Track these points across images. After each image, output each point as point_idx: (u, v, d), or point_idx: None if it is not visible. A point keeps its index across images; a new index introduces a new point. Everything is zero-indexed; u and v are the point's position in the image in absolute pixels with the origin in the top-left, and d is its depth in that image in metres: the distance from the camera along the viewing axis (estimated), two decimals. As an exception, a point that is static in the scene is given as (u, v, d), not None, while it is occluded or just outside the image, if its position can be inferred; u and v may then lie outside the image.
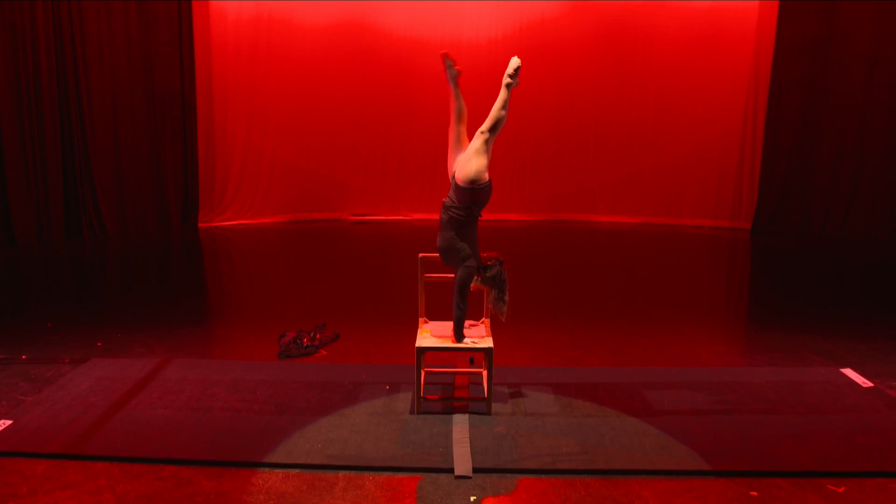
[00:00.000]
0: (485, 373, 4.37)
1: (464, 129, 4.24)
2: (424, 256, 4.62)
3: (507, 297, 4.27)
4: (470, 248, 4.19)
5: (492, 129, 4.16)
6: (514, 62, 4.20)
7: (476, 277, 4.24)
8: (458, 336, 4.30)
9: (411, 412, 4.27)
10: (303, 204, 11.22)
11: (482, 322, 4.62)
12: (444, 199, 4.24)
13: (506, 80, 4.20)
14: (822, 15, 9.91)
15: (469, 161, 4.12)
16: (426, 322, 4.66)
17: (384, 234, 10.54)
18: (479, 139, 4.15)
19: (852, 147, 10.04)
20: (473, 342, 4.30)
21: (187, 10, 10.00)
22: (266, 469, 3.67)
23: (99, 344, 5.50)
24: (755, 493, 3.48)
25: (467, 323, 4.48)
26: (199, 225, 10.50)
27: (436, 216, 4.63)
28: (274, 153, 10.99)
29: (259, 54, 10.68)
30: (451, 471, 3.64)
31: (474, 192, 4.12)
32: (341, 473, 3.64)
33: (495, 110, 4.17)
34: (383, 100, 11.18)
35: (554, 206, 11.46)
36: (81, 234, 9.54)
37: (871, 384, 4.76)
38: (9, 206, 8.98)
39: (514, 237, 10.31)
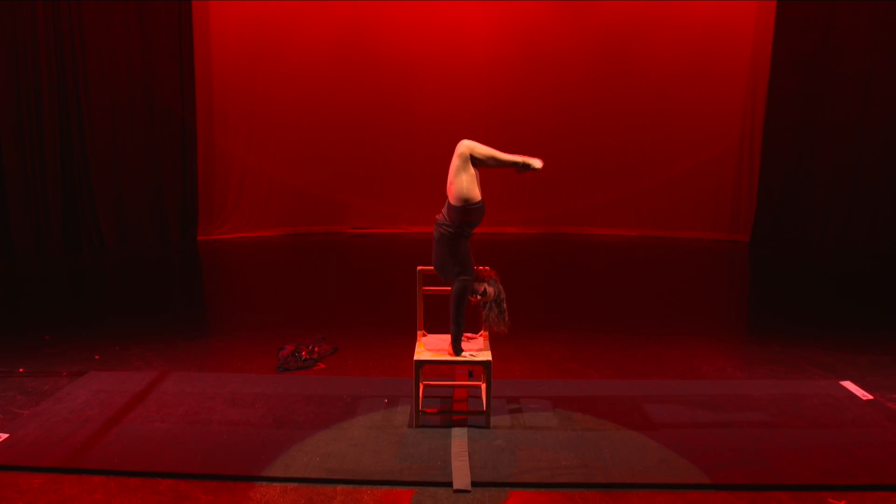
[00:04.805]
0: (483, 386, 4.36)
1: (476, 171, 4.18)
2: (423, 269, 4.61)
3: (506, 307, 4.29)
4: (464, 263, 4.19)
5: (475, 159, 4.09)
6: (537, 164, 4.24)
7: (478, 299, 4.26)
8: (457, 349, 4.30)
9: (410, 426, 4.26)
10: (302, 217, 11.22)
11: (480, 335, 4.61)
12: (436, 216, 4.25)
13: (522, 160, 4.21)
14: (819, 30, 9.96)
15: (457, 179, 4.09)
16: (424, 335, 4.65)
17: (383, 248, 10.54)
18: (458, 158, 4.10)
19: (850, 160, 10.05)
20: (472, 355, 4.29)
21: (188, 24, 10.05)
22: (264, 483, 3.66)
23: (97, 357, 5.49)
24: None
25: (465, 336, 4.48)
26: (199, 238, 10.50)
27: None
28: (273, 166, 11.01)
29: (259, 67, 10.72)
30: (449, 485, 3.62)
31: (466, 212, 4.12)
32: (339, 487, 3.62)
33: (493, 157, 4.13)
34: (383, 112, 11.20)
35: (552, 219, 11.47)
36: (80, 248, 9.52)
37: (871, 397, 4.75)
38: (8, 220, 8.97)
39: (512, 250, 10.31)
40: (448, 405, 4.62)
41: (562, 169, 11.26)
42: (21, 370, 5.18)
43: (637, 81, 11.04)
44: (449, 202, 4.15)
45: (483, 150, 4.13)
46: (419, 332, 4.66)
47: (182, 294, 8.29)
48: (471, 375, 4.96)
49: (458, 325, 4.25)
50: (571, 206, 11.43)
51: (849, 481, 3.67)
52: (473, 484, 3.62)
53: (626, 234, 11.25)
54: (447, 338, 4.39)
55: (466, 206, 4.10)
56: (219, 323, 6.98)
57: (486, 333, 4.59)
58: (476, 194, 4.12)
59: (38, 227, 9.22)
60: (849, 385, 4.95)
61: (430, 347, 4.44)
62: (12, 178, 8.97)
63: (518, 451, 3.97)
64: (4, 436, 4.08)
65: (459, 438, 4.09)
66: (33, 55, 9.01)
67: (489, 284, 4.28)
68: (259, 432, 4.18)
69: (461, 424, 4.27)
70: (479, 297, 4.27)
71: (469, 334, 4.54)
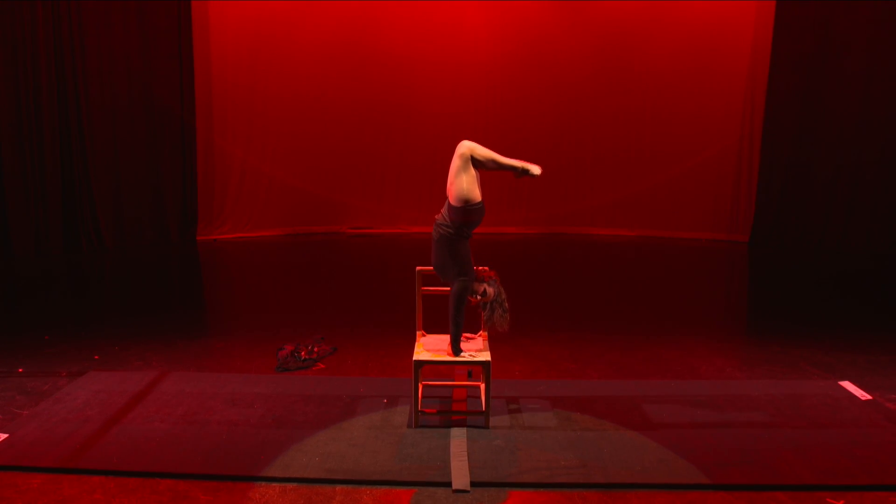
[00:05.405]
0: (482, 386, 4.37)
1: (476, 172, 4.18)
2: (422, 270, 4.62)
3: (508, 306, 4.30)
4: (464, 264, 4.19)
5: (475, 161, 4.09)
6: (535, 170, 4.20)
7: (477, 299, 4.26)
8: (456, 349, 4.30)
9: (409, 426, 4.26)
10: (301, 217, 11.22)
11: (479, 335, 4.62)
12: (435, 217, 4.25)
13: (521, 165, 4.18)
14: (818, 30, 9.96)
15: (457, 179, 4.09)
16: (424, 335, 4.65)
17: (382, 248, 10.54)
18: (458, 159, 4.10)
19: (850, 160, 10.05)
20: (471, 356, 4.30)
21: (187, 25, 10.05)
22: (263, 483, 3.66)
23: (96, 357, 5.49)
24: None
25: (464, 336, 4.48)
26: (198, 238, 10.50)
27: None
28: (273, 166, 11.01)
29: (258, 67, 10.72)
30: (448, 485, 3.63)
31: (466, 212, 4.12)
32: (339, 487, 3.62)
33: (493, 160, 4.12)
34: (383, 112, 11.20)
35: (552, 219, 11.48)
36: (80, 248, 9.52)
37: (869, 397, 4.75)
38: (7, 219, 8.98)
39: (512, 250, 10.31)
40: (447, 405, 4.62)
41: (561, 169, 11.27)
42: (21, 370, 5.18)
43: (636, 81, 11.05)
44: (449, 202, 4.15)
45: (483, 151, 4.14)
46: (418, 333, 4.66)
47: (182, 294, 8.29)
48: (470, 375, 4.96)
49: (457, 326, 4.26)
50: (571, 206, 11.43)
51: (847, 481, 3.68)
52: (472, 484, 3.63)
53: (625, 234, 11.25)
54: (446, 338, 4.39)
55: (467, 206, 4.10)
56: (218, 323, 6.98)
57: (486, 334, 4.60)
58: (476, 195, 4.12)
59: (37, 226, 9.22)
60: (847, 385, 4.95)
61: (430, 348, 4.45)
62: (12, 177, 8.98)
63: (517, 451, 3.97)
64: (4, 436, 4.08)
65: (458, 438, 4.09)
66: (33, 55, 9.01)
67: (489, 285, 4.29)
68: (259, 432, 4.18)
69: (460, 424, 4.27)
70: (478, 297, 4.28)
71: (468, 334, 4.55)
